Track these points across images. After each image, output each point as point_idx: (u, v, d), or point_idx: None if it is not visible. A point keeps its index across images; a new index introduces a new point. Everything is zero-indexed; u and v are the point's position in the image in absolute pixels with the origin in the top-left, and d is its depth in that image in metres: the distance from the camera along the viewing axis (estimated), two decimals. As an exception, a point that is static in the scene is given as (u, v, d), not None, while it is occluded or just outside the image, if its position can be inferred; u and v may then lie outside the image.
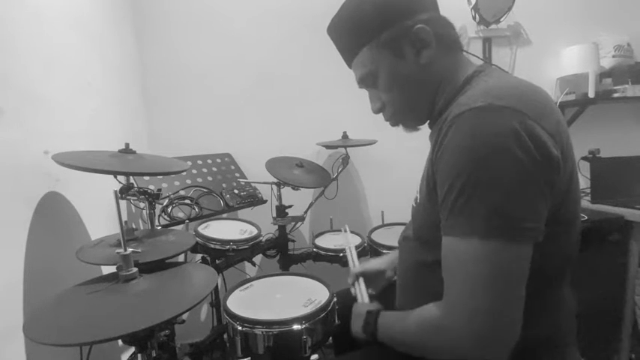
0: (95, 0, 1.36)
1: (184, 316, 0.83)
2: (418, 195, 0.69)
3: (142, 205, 1.17)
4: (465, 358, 0.54)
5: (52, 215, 0.99)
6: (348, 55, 0.71)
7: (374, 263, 0.95)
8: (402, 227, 0.82)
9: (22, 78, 0.92)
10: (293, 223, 1.58)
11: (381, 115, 0.74)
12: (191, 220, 1.35)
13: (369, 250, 1.47)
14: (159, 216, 1.26)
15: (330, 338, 0.97)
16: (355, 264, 0.97)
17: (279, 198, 1.51)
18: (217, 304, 1.49)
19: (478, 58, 0.69)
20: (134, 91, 1.68)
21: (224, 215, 1.59)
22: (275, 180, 1.46)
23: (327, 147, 1.75)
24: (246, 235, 1.39)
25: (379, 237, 1.49)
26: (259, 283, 1.07)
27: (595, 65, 1.75)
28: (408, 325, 0.62)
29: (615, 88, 1.75)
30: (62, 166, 0.83)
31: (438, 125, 0.61)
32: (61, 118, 1.07)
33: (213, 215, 1.44)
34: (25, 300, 0.85)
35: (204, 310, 1.88)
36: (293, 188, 1.51)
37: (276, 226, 1.53)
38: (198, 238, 1.30)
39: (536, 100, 0.54)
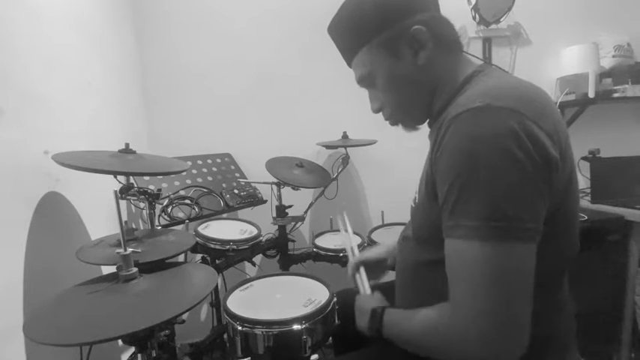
0: (95, 0, 1.36)
1: (184, 316, 0.83)
2: (417, 195, 0.69)
3: (142, 205, 1.17)
4: None
5: (52, 215, 0.99)
6: (348, 54, 0.72)
7: (374, 252, 0.95)
8: (402, 227, 0.82)
9: (22, 78, 0.92)
10: (293, 223, 1.58)
11: (381, 114, 0.75)
12: (191, 220, 1.35)
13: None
14: (159, 216, 1.26)
15: (330, 338, 0.97)
16: (355, 253, 0.97)
17: (279, 198, 1.51)
18: (217, 304, 1.49)
19: (478, 58, 0.69)
20: (134, 91, 1.68)
21: (224, 215, 1.59)
22: (275, 180, 1.46)
23: (327, 147, 1.75)
24: (246, 235, 1.39)
25: (379, 237, 1.49)
26: (259, 283, 1.07)
27: (595, 65, 1.75)
28: (414, 325, 0.62)
29: (615, 88, 1.75)
30: (62, 166, 0.83)
31: (437, 125, 0.61)
32: (61, 118, 1.07)
33: (213, 215, 1.44)
34: (25, 300, 0.85)
35: (204, 310, 1.88)
36: (293, 188, 1.51)
37: (276, 226, 1.53)
38: (198, 238, 1.30)
39: (535, 101, 0.53)
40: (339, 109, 1.85)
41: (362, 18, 0.66)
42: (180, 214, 1.34)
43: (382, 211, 1.77)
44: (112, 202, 0.72)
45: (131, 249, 0.72)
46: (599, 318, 1.55)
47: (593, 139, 1.80)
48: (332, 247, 1.48)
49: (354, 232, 1.58)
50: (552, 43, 1.90)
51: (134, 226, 1.28)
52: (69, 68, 1.14)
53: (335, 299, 0.94)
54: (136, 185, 1.12)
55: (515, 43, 1.91)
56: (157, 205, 1.16)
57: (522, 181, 0.49)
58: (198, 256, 1.38)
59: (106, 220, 1.24)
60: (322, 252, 1.48)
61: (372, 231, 1.63)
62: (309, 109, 1.86)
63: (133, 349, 0.78)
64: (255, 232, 1.44)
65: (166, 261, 0.84)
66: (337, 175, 1.75)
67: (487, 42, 1.87)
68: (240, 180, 1.64)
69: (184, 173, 1.45)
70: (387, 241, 0.97)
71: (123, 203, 1.34)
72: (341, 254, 1.44)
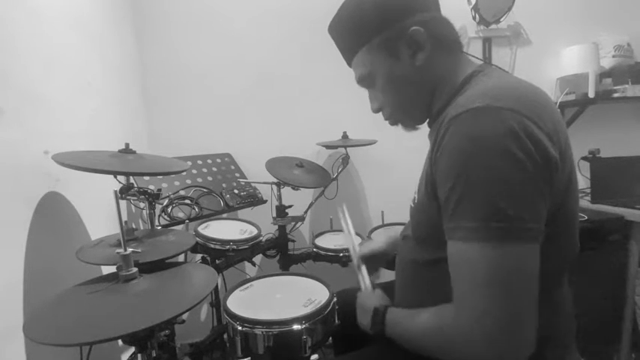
0: (95, 0, 1.36)
1: (184, 316, 0.83)
2: (416, 195, 0.69)
3: (142, 205, 1.17)
4: None
5: (52, 215, 0.99)
6: (348, 54, 0.72)
7: (375, 245, 0.95)
8: (402, 227, 0.82)
9: (22, 78, 0.92)
10: (293, 223, 1.58)
11: (381, 114, 0.75)
12: (191, 220, 1.35)
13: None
14: (159, 216, 1.26)
15: (330, 338, 0.97)
16: (355, 248, 0.96)
17: (279, 198, 1.51)
18: (217, 304, 1.49)
19: (478, 59, 0.69)
20: (134, 91, 1.68)
21: (224, 215, 1.59)
22: (275, 180, 1.46)
23: (327, 147, 1.75)
24: (246, 235, 1.39)
25: (379, 237, 1.49)
26: (259, 283, 1.07)
27: (595, 65, 1.75)
28: (417, 324, 0.62)
29: (615, 88, 1.76)
30: (62, 166, 0.83)
31: (437, 125, 0.61)
32: (61, 118, 1.07)
33: (213, 215, 1.44)
34: (25, 300, 0.85)
35: (204, 310, 1.88)
36: (293, 188, 1.51)
37: (276, 226, 1.53)
38: (198, 238, 1.29)
39: (535, 101, 0.53)
40: (339, 109, 1.85)
41: (362, 18, 0.66)
42: (180, 214, 1.34)
43: (382, 211, 1.77)
44: (112, 202, 0.72)
45: (131, 249, 0.72)
46: (599, 318, 1.55)
47: (593, 139, 1.80)
48: (332, 247, 1.48)
49: (355, 233, 1.59)
50: (552, 43, 1.90)
51: (134, 226, 1.28)
52: (69, 68, 1.14)
53: (335, 299, 0.94)
54: (136, 185, 1.12)
55: (515, 43, 1.91)
56: (157, 205, 1.16)
57: (523, 181, 0.49)
58: (198, 256, 1.38)
59: (106, 220, 1.24)
60: (322, 252, 1.48)
61: (372, 231, 1.63)
62: (309, 109, 1.86)
63: (133, 349, 0.78)
64: (255, 232, 1.44)
65: (166, 261, 0.84)
66: (337, 175, 1.75)
67: (487, 42, 1.87)
68: (240, 180, 1.64)
69: (184, 173, 1.45)
70: (389, 232, 0.97)
71: (123, 203, 1.35)
72: (341, 254, 1.44)
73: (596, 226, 1.51)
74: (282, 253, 1.54)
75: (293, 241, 1.57)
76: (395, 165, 1.89)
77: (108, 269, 0.79)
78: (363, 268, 0.87)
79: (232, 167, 1.71)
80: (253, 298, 0.99)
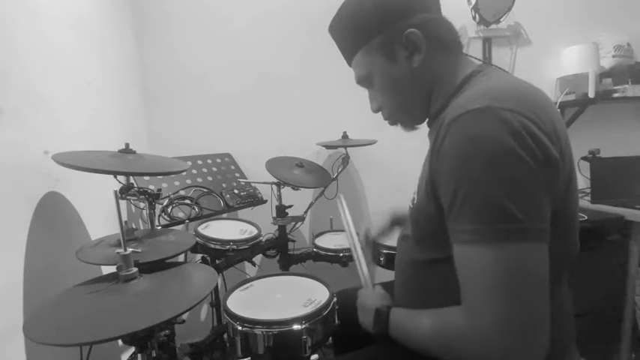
0: (95, 0, 1.36)
1: (184, 316, 0.83)
2: (415, 196, 0.69)
3: (142, 205, 1.17)
4: None
5: (52, 215, 0.99)
6: (348, 54, 0.72)
7: (379, 223, 0.98)
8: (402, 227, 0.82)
9: (22, 78, 0.92)
10: (293, 223, 1.57)
11: (380, 114, 0.75)
12: (191, 220, 1.35)
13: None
14: (159, 216, 1.26)
15: (330, 338, 0.97)
16: (353, 235, 0.96)
17: (279, 198, 1.51)
18: (217, 304, 1.49)
19: (477, 59, 0.69)
20: (134, 91, 1.68)
21: (224, 215, 1.59)
22: (275, 180, 1.46)
23: (327, 147, 1.75)
24: (246, 235, 1.39)
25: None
26: (259, 283, 1.07)
27: (595, 65, 1.75)
28: (424, 327, 0.61)
29: (615, 88, 1.76)
30: (62, 166, 0.83)
31: (436, 126, 0.61)
32: (61, 118, 1.07)
33: (213, 215, 1.44)
34: (25, 300, 0.85)
35: (204, 310, 1.88)
36: (293, 188, 1.51)
37: (276, 226, 1.53)
38: (198, 238, 1.29)
39: (535, 102, 0.53)
40: (339, 109, 1.85)
41: (362, 17, 0.66)
42: (180, 214, 1.34)
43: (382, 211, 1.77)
44: (112, 202, 0.72)
45: (131, 249, 0.72)
46: (599, 318, 1.55)
47: (593, 139, 1.80)
48: (332, 247, 1.48)
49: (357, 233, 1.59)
50: (552, 43, 1.90)
51: (134, 226, 1.28)
52: (69, 68, 1.14)
53: (335, 299, 0.94)
54: (136, 185, 1.12)
55: (515, 43, 1.91)
56: (157, 205, 1.16)
57: (528, 180, 0.49)
58: (198, 256, 1.38)
59: (106, 220, 1.24)
60: (322, 252, 1.48)
61: (372, 231, 1.63)
62: (309, 109, 1.86)
63: (133, 349, 0.78)
64: (255, 232, 1.44)
65: (166, 261, 0.84)
66: (337, 175, 1.75)
67: (487, 42, 1.87)
68: (240, 180, 1.64)
69: (184, 173, 1.45)
70: (390, 213, 1.00)
71: (123, 203, 1.35)
72: (341, 254, 1.44)
73: (596, 226, 1.51)
74: (282, 253, 1.54)
75: (293, 241, 1.57)
76: (395, 165, 1.89)
77: (108, 269, 0.79)
78: (364, 265, 0.87)
79: (232, 167, 1.71)
80: (253, 298, 0.99)
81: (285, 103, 1.84)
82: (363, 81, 0.72)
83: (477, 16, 1.76)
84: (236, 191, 1.55)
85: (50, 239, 0.97)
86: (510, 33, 1.88)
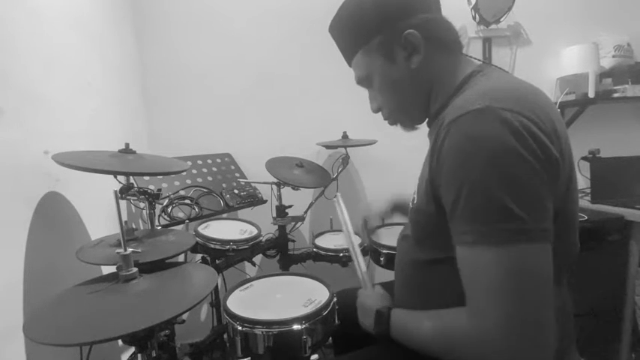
0: (95, 0, 1.36)
1: (184, 316, 0.83)
2: (415, 196, 0.69)
3: (142, 205, 1.17)
4: None
5: (52, 215, 0.99)
6: (348, 54, 0.72)
7: (379, 211, 1.01)
8: (402, 227, 0.82)
9: (22, 78, 0.92)
10: (293, 223, 1.57)
11: (380, 114, 0.75)
12: (191, 220, 1.35)
13: (369, 250, 1.47)
14: (159, 216, 1.26)
15: (330, 338, 0.97)
16: (351, 234, 0.96)
17: (279, 198, 1.51)
18: (217, 304, 1.49)
19: (477, 59, 0.69)
20: (134, 91, 1.68)
21: (224, 215, 1.59)
22: (275, 180, 1.46)
23: (327, 147, 1.75)
24: (246, 235, 1.39)
25: (379, 237, 1.49)
26: (259, 283, 1.07)
27: (595, 65, 1.75)
28: (427, 329, 0.61)
29: (615, 88, 1.75)
30: (62, 166, 0.83)
31: (436, 126, 0.61)
32: (61, 118, 1.07)
33: (213, 215, 1.44)
34: (25, 300, 0.85)
35: (204, 310, 1.88)
36: (293, 188, 1.51)
37: (276, 226, 1.53)
38: (198, 238, 1.29)
39: (535, 102, 0.53)
40: (339, 109, 1.85)
41: (362, 17, 0.66)
42: (180, 214, 1.34)
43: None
44: (112, 202, 0.72)
45: (131, 249, 0.72)
46: (599, 318, 1.55)
47: (593, 139, 1.80)
48: (332, 247, 1.48)
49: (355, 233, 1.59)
50: (552, 43, 1.90)
51: (134, 226, 1.28)
52: (69, 68, 1.14)
53: (335, 299, 0.94)
54: (136, 185, 1.12)
55: (515, 43, 1.91)
56: (157, 205, 1.16)
57: (531, 179, 0.49)
58: (198, 256, 1.38)
59: (106, 220, 1.24)
60: (322, 252, 1.48)
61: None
62: (309, 109, 1.86)
63: (133, 349, 0.78)
64: (255, 232, 1.44)
65: (166, 261, 0.84)
66: (337, 175, 1.75)
67: (487, 42, 1.87)
68: (240, 180, 1.64)
69: (184, 173, 1.45)
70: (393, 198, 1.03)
71: (123, 203, 1.35)
72: (341, 254, 1.44)
73: (596, 226, 1.51)
74: (282, 253, 1.54)
75: (293, 241, 1.57)
76: (395, 165, 1.89)
77: (108, 269, 0.79)
78: (362, 264, 0.87)
79: (232, 167, 1.71)
80: (253, 298, 0.99)
81: (285, 103, 1.84)
82: (362, 81, 0.72)
83: (477, 16, 1.76)
84: (236, 191, 1.55)
85: (50, 239, 0.97)
86: (510, 33, 1.88)
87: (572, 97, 1.79)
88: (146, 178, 1.32)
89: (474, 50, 1.86)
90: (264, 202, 1.63)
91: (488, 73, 0.63)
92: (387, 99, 0.71)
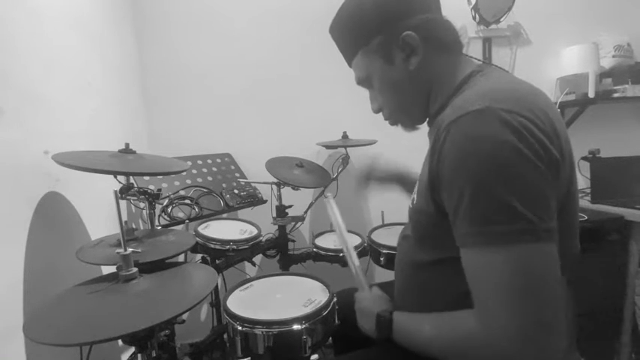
0: (95, 0, 1.36)
1: (184, 316, 0.83)
2: (415, 196, 0.69)
3: (142, 205, 1.17)
4: None
5: (52, 215, 0.99)
6: (348, 54, 0.72)
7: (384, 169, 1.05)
8: (402, 227, 0.82)
9: (22, 78, 0.92)
10: (293, 223, 1.57)
11: (381, 114, 0.75)
12: (191, 220, 1.35)
13: (369, 250, 1.47)
14: (159, 216, 1.26)
15: (330, 338, 0.97)
16: (344, 233, 0.95)
17: (279, 198, 1.51)
18: (217, 304, 1.49)
19: (477, 59, 0.69)
20: (134, 91, 1.68)
21: (224, 215, 1.59)
22: (275, 180, 1.46)
23: (327, 147, 1.75)
24: (246, 235, 1.39)
25: (379, 237, 1.49)
26: (259, 283, 1.07)
27: (595, 65, 1.75)
28: (431, 332, 0.60)
29: (615, 88, 1.76)
30: (62, 166, 0.83)
31: (436, 126, 0.61)
32: (61, 118, 1.07)
33: (213, 215, 1.44)
34: (25, 300, 0.85)
35: (204, 310, 1.88)
36: (293, 188, 1.51)
37: (276, 226, 1.53)
38: (198, 238, 1.30)
39: (535, 102, 0.53)
40: (339, 109, 1.85)
41: (362, 17, 0.66)
42: (180, 214, 1.34)
43: (382, 211, 1.77)
44: (112, 202, 0.72)
45: (131, 249, 0.72)
46: (599, 318, 1.55)
47: (593, 139, 1.80)
48: (332, 247, 1.48)
49: (354, 233, 1.59)
50: (552, 43, 1.90)
51: (134, 226, 1.28)
52: (69, 68, 1.14)
53: (335, 299, 0.94)
54: (136, 185, 1.12)
55: (515, 43, 1.91)
56: (157, 205, 1.16)
57: (534, 179, 0.48)
58: (198, 256, 1.38)
59: (106, 220, 1.24)
60: (322, 252, 1.48)
61: (372, 231, 1.63)
62: (309, 109, 1.86)
63: (133, 349, 0.78)
64: (255, 232, 1.44)
65: (166, 261, 0.84)
66: (337, 175, 1.75)
67: (487, 42, 1.87)
68: (240, 180, 1.64)
69: (184, 173, 1.45)
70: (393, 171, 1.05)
71: (123, 203, 1.35)
72: (341, 254, 1.43)
73: (596, 226, 1.51)
74: (282, 253, 1.54)
75: (293, 241, 1.57)
76: (395, 165, 1.89)
77: (108, 269, 0.79)
78: (358, 265, 0.87)
79: (232, 167, 1.71)
80: (253, 298, 0.99)
81: (285, 103, 1.84)
82: (363, 82, 0.73)
83: (477, 16, 1.76)
84: (236, 191, 1.55)
85: (50, 239, 0.97)
86: (510, 33, 1.88)
87: (572, 97, 1.79)
88: (146, 178, 1.32)
89: (474, 50, 1.86)
90: (264, 202, 1.63)
91: (487, 73, 0.63)
92: (387, 99, 0.71)
